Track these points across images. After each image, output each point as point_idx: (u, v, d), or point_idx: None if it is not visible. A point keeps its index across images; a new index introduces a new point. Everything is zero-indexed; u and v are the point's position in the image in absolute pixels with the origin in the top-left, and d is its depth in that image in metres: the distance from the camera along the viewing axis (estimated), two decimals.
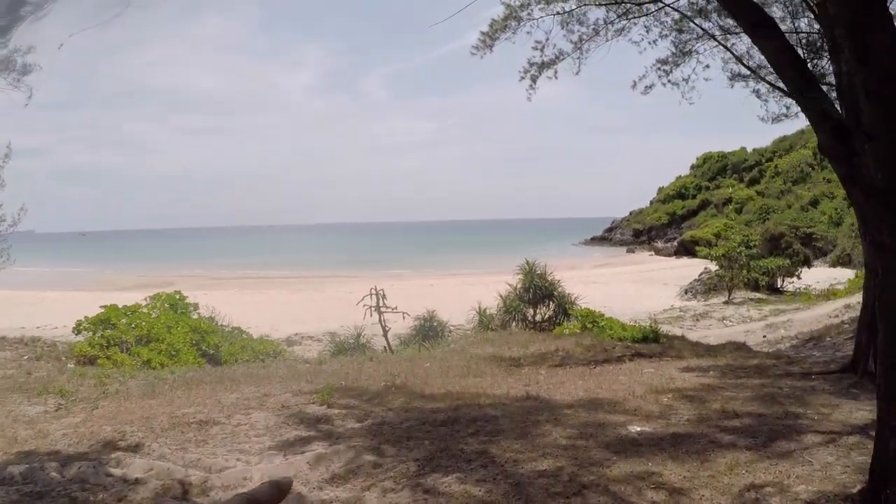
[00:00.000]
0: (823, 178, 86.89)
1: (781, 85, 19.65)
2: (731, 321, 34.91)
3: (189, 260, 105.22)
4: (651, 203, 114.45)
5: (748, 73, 19.78)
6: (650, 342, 17.49)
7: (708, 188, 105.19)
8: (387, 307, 22.82)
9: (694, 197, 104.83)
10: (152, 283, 62.71)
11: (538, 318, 24.95)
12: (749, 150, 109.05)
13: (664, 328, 29.26)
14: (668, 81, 19.77)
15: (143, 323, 24.30)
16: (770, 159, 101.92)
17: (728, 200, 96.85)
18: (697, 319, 35.62)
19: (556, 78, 18.87)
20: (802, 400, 10.32)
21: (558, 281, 25.38)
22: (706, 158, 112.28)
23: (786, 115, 20.80)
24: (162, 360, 21.86)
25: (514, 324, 24.39)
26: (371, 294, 22.75)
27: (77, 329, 24.15)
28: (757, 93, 20.48)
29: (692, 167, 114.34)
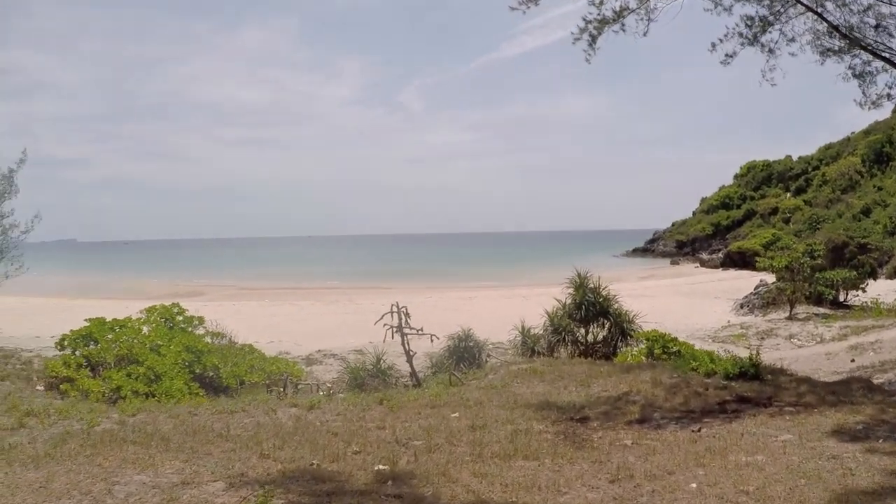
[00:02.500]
0: (874, 186, 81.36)
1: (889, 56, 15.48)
2: (799, 339, 30.04)
3: (225, 269, 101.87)
4: (694, 213, 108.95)
5: (843, 45, 15.51)
6: (750, 379, 12.65)
7: (753, 198, 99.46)
8: (411, 328, 18.19)
9: (738, 207, 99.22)
10: (183, 292, 59.71)
11: (590, 338, 20.22)
12: (794, 158, 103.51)
13: (727, 348, 24.56)
14: (759, 43, 15.53)
15: (125, 341, 20.22)
16: (816, 167, 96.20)
17: (774, 210, 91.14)
18: (762, 338, 30.62)
19: (624, 31, 14.55)
20: None
21: (614, 296, 20.52)
22: (750, 167, 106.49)
23: (889, 96, 16.31)
24: (137, 386, 17.67)
25: (562, 347, 19.70)
26: (392, 312, 18.12)
27: (60, 344, 20.49)
28: (853, 70, 16.01)
29: (736, 176, 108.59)
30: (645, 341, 17.77)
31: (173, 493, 6.89)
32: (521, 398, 11.83)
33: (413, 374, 18.39)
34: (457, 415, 10.67)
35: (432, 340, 18.48)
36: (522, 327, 20.34)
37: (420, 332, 17.95)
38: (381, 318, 17.92)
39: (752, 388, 11.98)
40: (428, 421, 10.26)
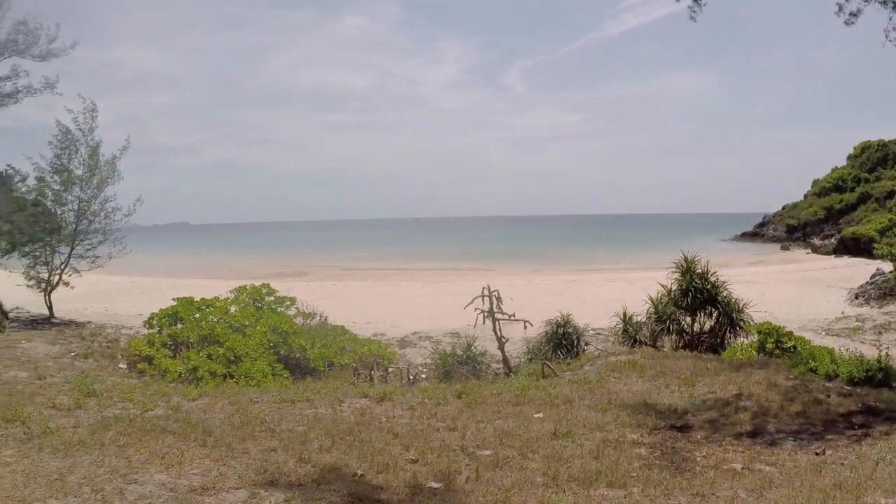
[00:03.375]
0: None
1: None
2: None
3: (330, 250, 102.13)
4: (805, 196, 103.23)
5: None
6: (878, 385, 10.78)
7: (867, 180, 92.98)
8: (503, 312, 16.74)
9: (852, 190, 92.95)
10: (288, 273, 59.95)
11: (696, 328, 18.39)
12: None
13: (844, 343, 22.27)
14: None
15: (209, 321, 19.60)
16: None
17: (891, 194, 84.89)
18: (880, 332, 27.87)
19: None
20: None
21: (723, 282, 18.59)
22: (864, 147, 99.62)
23: None
24: (215, 367, 17.07)
25: (666, 337, 17.99)
26: (483, 296, 16.71)
27: (149, 323, 20.46)
28: None
29: (849, 157, 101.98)
30: (756, 334, 15.82)
31: (186, 501, 6.08)
32: (617, 397, 10.34)
33: (505, 361, 17.03)
34: (541, 415, 9.30)
35: (525, 327, 17.02)
36: (624, 314, 18.68)
37: (512, 317, 16.52)
38: (472, 301, 16.56)
39: (880, 396, 10.13)
40: (506, 422, 8.92)
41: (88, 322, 28.85)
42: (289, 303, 23.09)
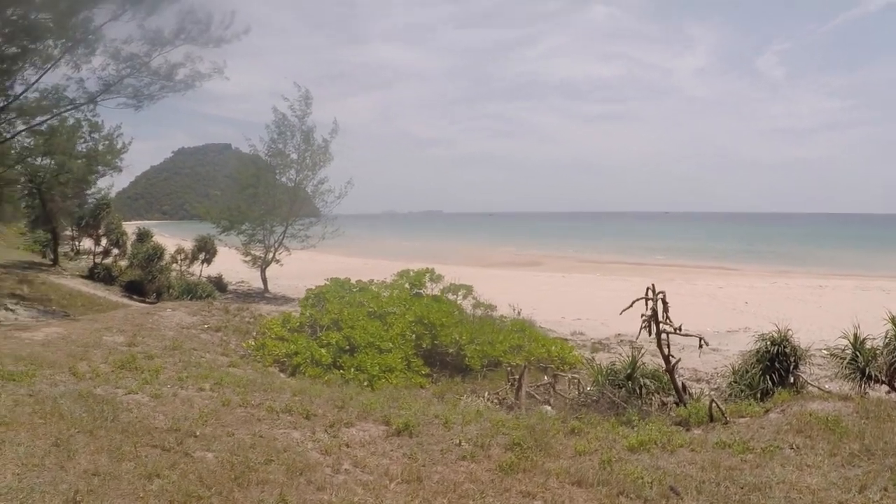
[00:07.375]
0: None
1: None
2: None
3: (568, 240, 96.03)
4: None
5: None
6: None
7: None
8: (669, 323, 11.71)
9: None
10: (521, 262, 58.85)
11: None
12: None
13: None
14: None
15: (335, 305, 17.05)
16: None
17: None
18: None
19: None
20: None
21: None
22: None
23: None
24: (321, 354, 14.26)
25: None
26: (647, 298, 11.77)
27: (303, 302, 18.45)
28: None
29: None
30: None
31: None
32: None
33: (676, 389, 12.01)
34: None
35: (701, 346, 11.86)
36: (855, 336, 12.85)
37: (678, 330, 11.42)
38: (632, 304, 11.63)
39: None
40: None
41: (297, 298, 27.28)
42: (464, 291, 19.30)
